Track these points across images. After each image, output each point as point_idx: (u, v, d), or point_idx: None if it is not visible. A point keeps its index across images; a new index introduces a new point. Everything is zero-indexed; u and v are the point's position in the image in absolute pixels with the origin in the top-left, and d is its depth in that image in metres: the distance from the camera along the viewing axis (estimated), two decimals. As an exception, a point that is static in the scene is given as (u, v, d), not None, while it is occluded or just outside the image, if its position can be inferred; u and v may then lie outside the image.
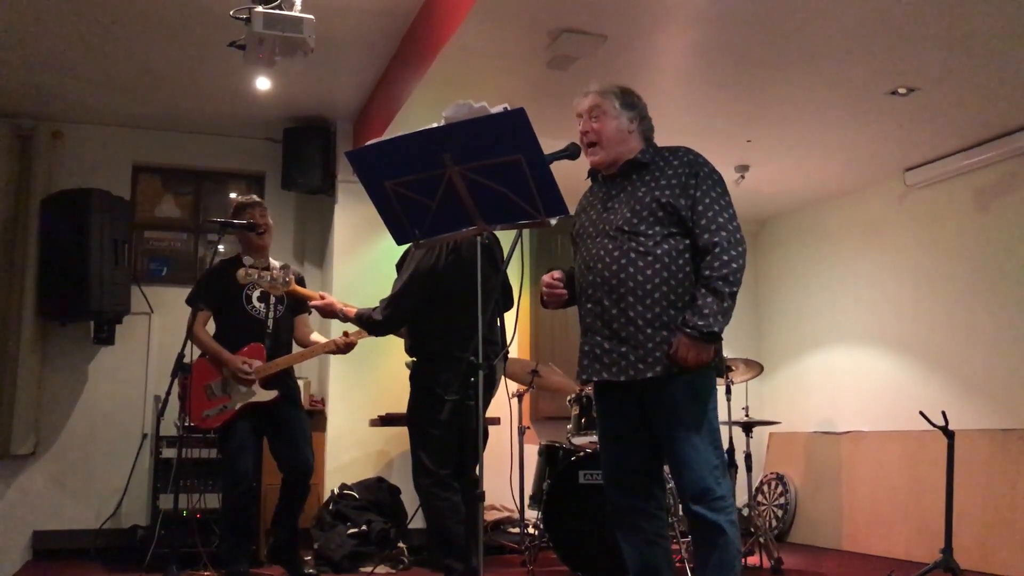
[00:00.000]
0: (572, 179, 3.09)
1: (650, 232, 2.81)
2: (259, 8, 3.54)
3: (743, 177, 6.06)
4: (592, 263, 2.89)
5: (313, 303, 4.05)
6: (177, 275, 6.27)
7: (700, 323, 2.69)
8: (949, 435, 4.27)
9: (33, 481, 5.73)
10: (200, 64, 5.22)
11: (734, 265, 2.74)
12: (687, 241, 2.82)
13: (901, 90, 4.77)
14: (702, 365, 2.74)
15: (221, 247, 4.59)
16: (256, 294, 4.40)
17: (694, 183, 2.82)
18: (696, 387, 2.79)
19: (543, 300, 3.07)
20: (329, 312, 3.94)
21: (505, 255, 2.90)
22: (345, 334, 4.33)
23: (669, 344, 2.74)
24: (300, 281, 4.53)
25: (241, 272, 4.15)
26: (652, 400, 2.81)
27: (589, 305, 2.90)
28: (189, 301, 4.45)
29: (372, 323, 3.77)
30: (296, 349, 4.59)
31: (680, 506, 4.09)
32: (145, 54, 5.09)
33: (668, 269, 2.78)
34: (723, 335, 2.80)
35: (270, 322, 4.41)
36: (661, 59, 4.49)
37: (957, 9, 3.89)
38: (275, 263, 4.48)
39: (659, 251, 2.79)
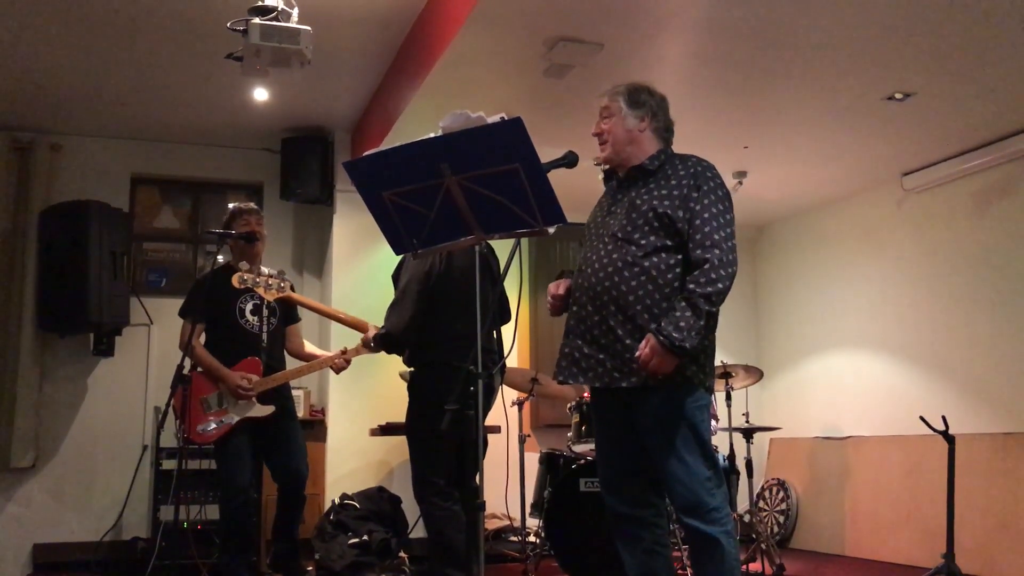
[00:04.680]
0: (570, 187, 3.10)
1: (643, 242, 2.79)
2: (256, 20, 3.54)
3: (741, 183, 6.07)
4: (584, 266, 2.90)
5: (363, 335, 4.06)
6: (176, 286, 6.26)
7: (675, 335, 2.62)
8: (950, 440, 4.27)
9: (33, 494, 5.72)
10: (198, 75, 5.22)
11: (720, 285, 2.68)
12: (679, 256, 2.78)
13: (897, 95, 4.77)
14: (660, 374, 2.66)
15: (220, 257, 4.58)
16: (249, 307, 4.38)
17: (696, 195, 2.78)
18: (680, 401, 2.75)
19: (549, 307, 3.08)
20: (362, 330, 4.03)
21: (502, 266, 2.90)
22: (343, 351, 4.33)
23: None
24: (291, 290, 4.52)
25: (236, 277, 4.14)
26: (638, 412, 2.80)
27: (575, 308, 2.91)
28: (182, 314, 4.43)
29: (380, 337, 3.79)
30: (289, 360, 4.57)
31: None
32: (143, 66, 5.09)
33: (654, 282, 2.76)
34: (716, 345, 2.80)
35: (265, 336, 4.38)
36: (658, 67, 4.50)
37: (952, 14, 3.90)
38: (266, 270, 4.46)
39: (647, 263, 2.77)
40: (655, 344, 2.64)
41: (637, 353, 2.68)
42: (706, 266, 2.69)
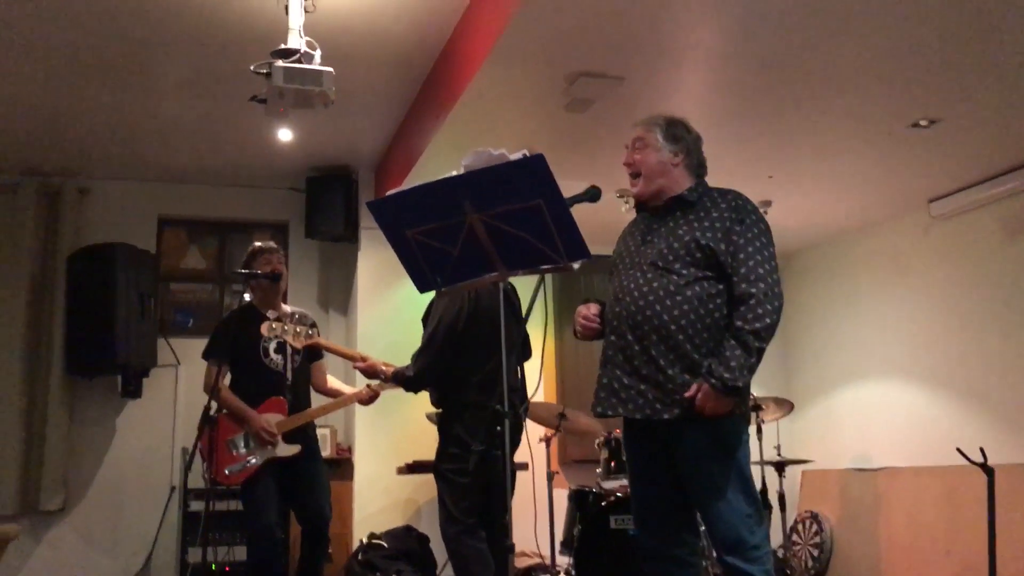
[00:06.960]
0: (594, 221, 3.08)
1: (684, 271, 2.75)
2: (279, 62, 3.57)
3: (766, 212, 6.02)
4: (621, 295, 2.85)
5: (356, 366, 4.05)
6: (203, 326, 6.27)
7: (726, 375, 2.60)
8: (989, 472, 4.17)
9: (63, 536, 5.73)
10: (222, 117, 5.29)
11: (768, 320, 2.66)
12: (720, 286, 2.75)
13: (923, 122, 4.73)
14: (719, 416, 2.65)
15: (247, 296, 4.59)
16: (273, 346, 4.37)
17: (738, 229, 2.76)
18: (722, 434, 2.71)
19: (575, 331, 3.02)
20: (372, 374, 3.97)
21: (524, 302, 2.88)
22: (368, 387, 4.32)
23: (689, 387, 2.67)
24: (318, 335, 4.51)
25: (265, 326, 4.15)
26: (676, 445, 2.75)
27: (613, 337, 2.86)
28: (206, 356, 4.43)
29: (406, 380, 3.79)
30: (315, 396, 4.56)
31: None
32: (168, 109, 5.16)
33: (696, 312, 2.72)
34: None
35: (289, 374, 4.37)
36: (679, 98, 4.49)
37: (977, 38, 3.87)
38: (287, 309, 4.46)
39: (689, 292, 2.73)
40: (707, 389, 2.61)
41: (688, 393, 2.65)
42: (752, 301, 2.67)
